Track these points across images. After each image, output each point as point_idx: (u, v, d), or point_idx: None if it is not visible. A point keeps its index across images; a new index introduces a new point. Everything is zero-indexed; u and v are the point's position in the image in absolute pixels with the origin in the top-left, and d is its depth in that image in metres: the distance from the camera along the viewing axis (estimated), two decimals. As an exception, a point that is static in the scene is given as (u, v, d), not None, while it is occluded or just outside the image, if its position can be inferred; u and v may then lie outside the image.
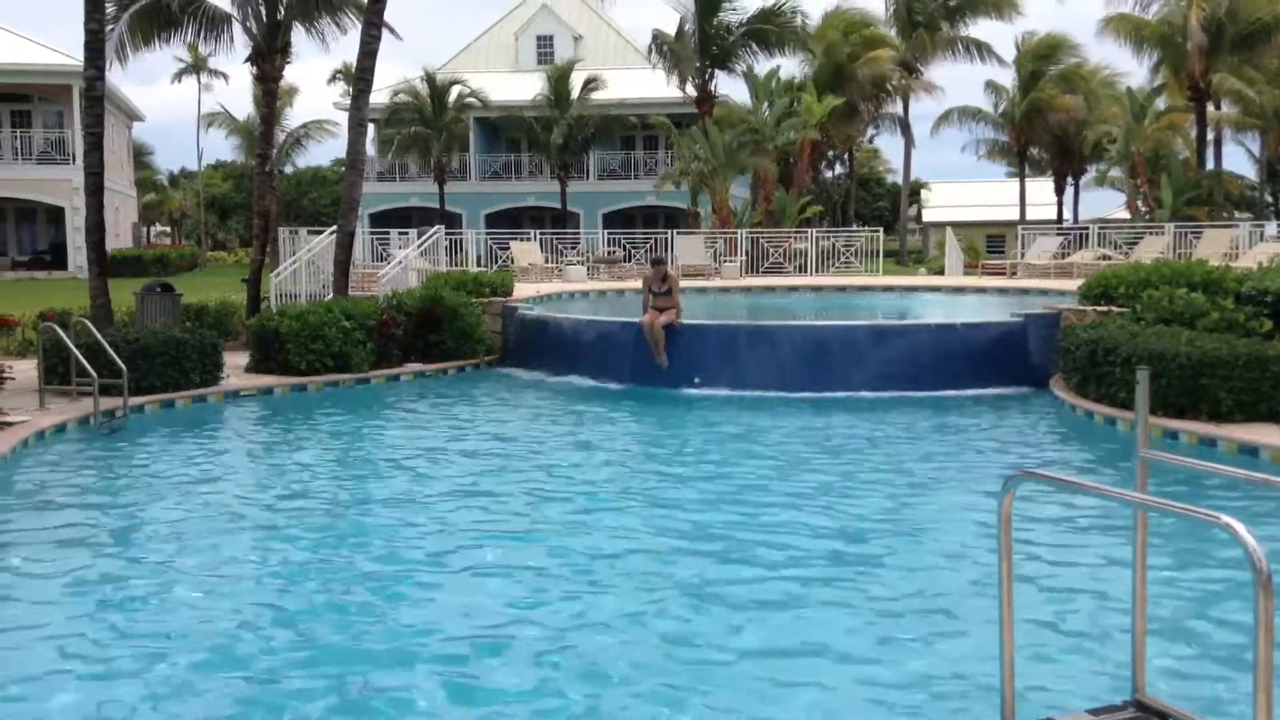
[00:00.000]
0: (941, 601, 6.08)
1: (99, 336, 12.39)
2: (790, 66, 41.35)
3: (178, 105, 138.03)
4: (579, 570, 6.68)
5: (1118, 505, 7.46)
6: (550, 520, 7.93)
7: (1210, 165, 39.29)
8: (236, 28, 20.36)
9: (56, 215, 39.38)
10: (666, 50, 34.69)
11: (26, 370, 12.69)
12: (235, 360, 14.82)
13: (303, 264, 18.16)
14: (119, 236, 41.92)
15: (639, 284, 17.58)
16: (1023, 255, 27.75)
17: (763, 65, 35.43)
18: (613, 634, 5.60)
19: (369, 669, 5.19)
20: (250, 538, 7.59)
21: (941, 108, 50.23)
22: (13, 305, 18.72)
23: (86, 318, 13.96)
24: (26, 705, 4.87)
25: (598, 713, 4.74)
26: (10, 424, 10.68)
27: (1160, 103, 41.20)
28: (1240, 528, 2.85)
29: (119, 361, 11.88)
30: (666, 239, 28.63)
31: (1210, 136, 39.42)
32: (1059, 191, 51.24)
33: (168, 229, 76.70)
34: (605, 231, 34.06)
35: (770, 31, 35.14)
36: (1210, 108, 38.65)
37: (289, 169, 58.20)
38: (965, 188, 67.06)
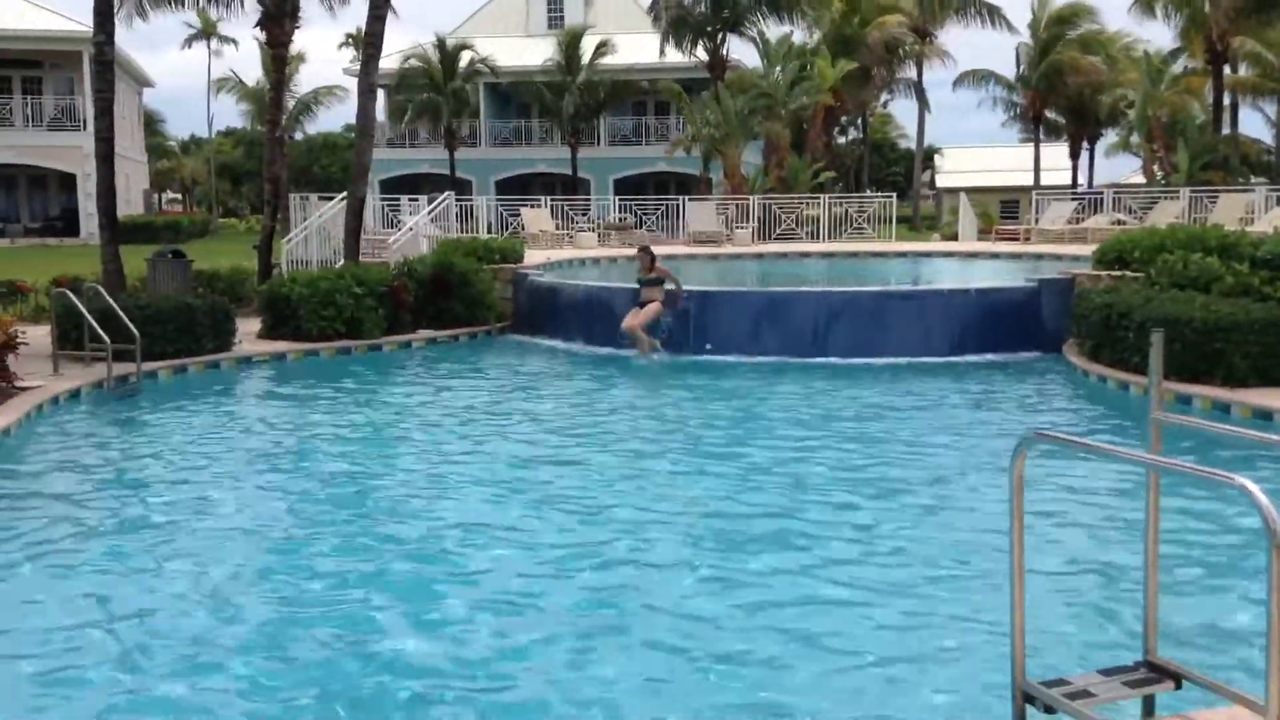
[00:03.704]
0: (952, 562, 6.08)
1: (112, 302, 12.41)
2: (802, 32, 40.96)
3: (188, 72, 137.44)
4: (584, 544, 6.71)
5: (1131, 468, 7.44)
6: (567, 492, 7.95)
7: (1227, 130, 38.86)
8: (246, -9, 20.33)
9: (68, 182, 39.40)
10: (667, 13, 34.47)
11: (40, 336, 12.73)
12: (247, 326, 14.84)
13: (314, 230, 18.16)
14: (130, 203, 41.93)
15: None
16: (1037, 220, 27.59)
17: (774, 31, 35.17)
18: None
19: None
20: (264, 502, 7.63)
21: (955, 75, 49.43)
22: (26, 271, 18.77)
23: (99, 284, 14.00)
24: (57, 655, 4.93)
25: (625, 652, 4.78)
26: (24, 389, 10.74)
27: (1178, 67, 40.71)
28: (1255, 489, 2.83)
29: (132, 327, 11.90)
30: (678, 205, 28.50)
31: (1227, 101, 38.94)
32: (1074, 156, 50.82)
33: (179, 196, 76.77)
34: (616, 198, 33.92)
35: (782, -4, 34.90)
36: (1228, 71, 38.15)
37: (299, 135, 58.10)
38: (979, 153, 66.50)
